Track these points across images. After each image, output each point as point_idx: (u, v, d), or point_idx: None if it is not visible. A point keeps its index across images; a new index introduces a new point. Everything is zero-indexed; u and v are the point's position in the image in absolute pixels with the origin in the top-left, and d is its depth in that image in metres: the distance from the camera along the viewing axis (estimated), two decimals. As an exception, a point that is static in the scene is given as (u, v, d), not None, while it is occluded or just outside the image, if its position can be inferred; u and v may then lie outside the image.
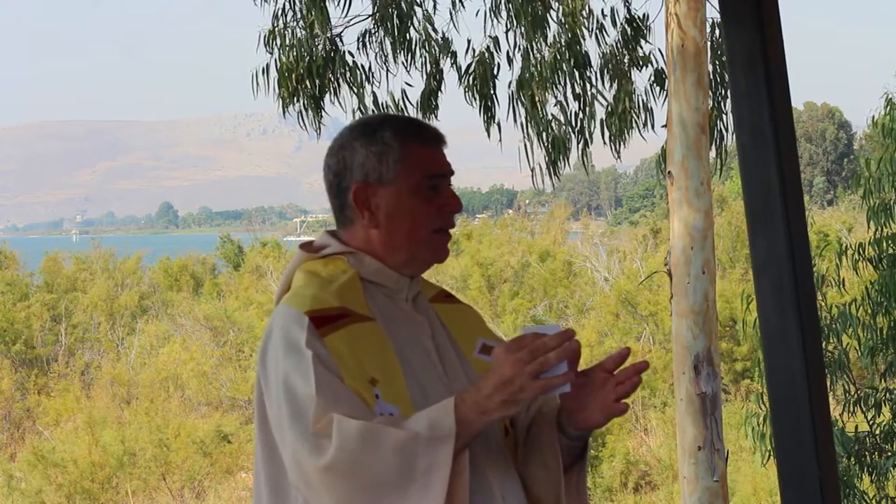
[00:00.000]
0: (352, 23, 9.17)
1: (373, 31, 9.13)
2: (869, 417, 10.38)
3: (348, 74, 9.08)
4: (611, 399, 2.26)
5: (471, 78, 9.10)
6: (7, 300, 28.87)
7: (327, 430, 2.13)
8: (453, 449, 2.11)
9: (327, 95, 9.13)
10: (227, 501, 20.29)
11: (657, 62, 9.17)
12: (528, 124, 9.09)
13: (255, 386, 2.32)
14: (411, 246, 2.35)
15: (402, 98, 9.10)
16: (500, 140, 9.13)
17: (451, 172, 2.40)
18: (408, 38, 9.09)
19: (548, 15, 9.02)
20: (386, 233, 2.35)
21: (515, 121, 9.08)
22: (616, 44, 9.18)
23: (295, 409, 2.18)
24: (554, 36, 9.11)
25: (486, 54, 9.10)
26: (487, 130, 9.15)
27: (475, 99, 9.12)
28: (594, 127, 9.19)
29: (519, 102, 9.09)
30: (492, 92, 9.12)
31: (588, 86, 9.15)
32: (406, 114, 9.02)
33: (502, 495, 2.28)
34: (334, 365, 2.21)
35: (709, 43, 8.74)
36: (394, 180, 2.34)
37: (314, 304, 2.27)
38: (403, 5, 9.05)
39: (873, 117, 11.09)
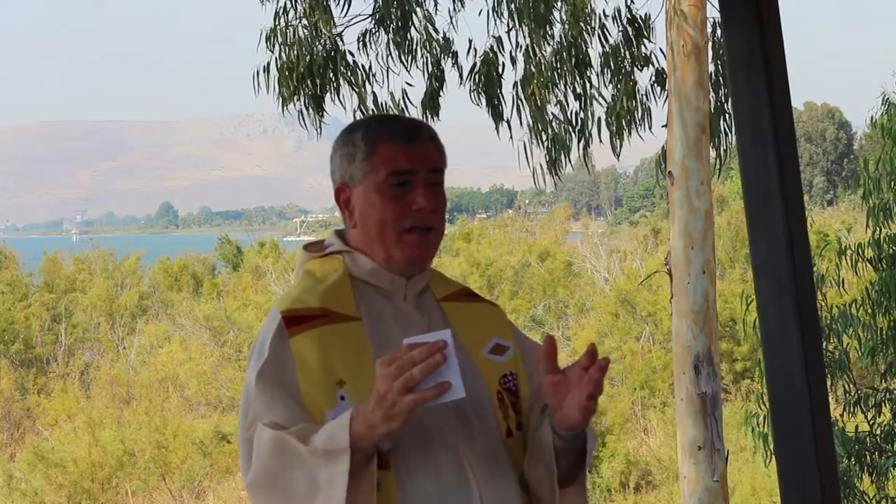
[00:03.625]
0: (352, 22, 9.17)
1: (373, 30, 9.13)
2: (869, 417, 10.37)
3: (349, 74, 9.08)
4: (584, 397, 2.22)
5: (477, 78, 9.09)
6: (6, 300, 28.87)
7: (253, 437, 2.21)
8: (349, 462, 2.12)
9: (328, 95, 9.13)
10: (226, 502, 20.28)
11: (658, 62, 9.18)
12: (532, 124, 9.09)
13: None
14: (383, 246, 2.34)
15: (403, 98, 9.10)
16: (511, 138, 9.10)
17: (427, 168, 2.35)
18: (408, 37, 9.09)
19: (550, 15, 9.02)
20: (361, 232, 2.37)
21: (521, 121, 9.09)
22: (617, 43, 9.18)
23: (244, 410, 2.26)
24: (556, 35, 9.11)
25: (491, 54, 9.10)
26: (497, 130, 9.14)
27: (481, 99, 9.11)
28: (594, 126, 9.19)
29: (521, 102, 9.09)
30: (498, 92, 9.12)
31: (589, 85, 9.15)
32: (406, 114, 9.02)
33: (481, 495, 2.26)
34: (290, 367, 2.24)
35: (710, 43, 8.74)
36: (362, 180, 2.35)
37: (292, 304, 2.31)
38: (405, 5, 9.04)
39: (872, 117, 11.10)
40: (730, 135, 9.24)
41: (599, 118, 9.19)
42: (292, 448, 2.15)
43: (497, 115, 9.13)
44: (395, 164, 2.33)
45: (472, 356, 2.38)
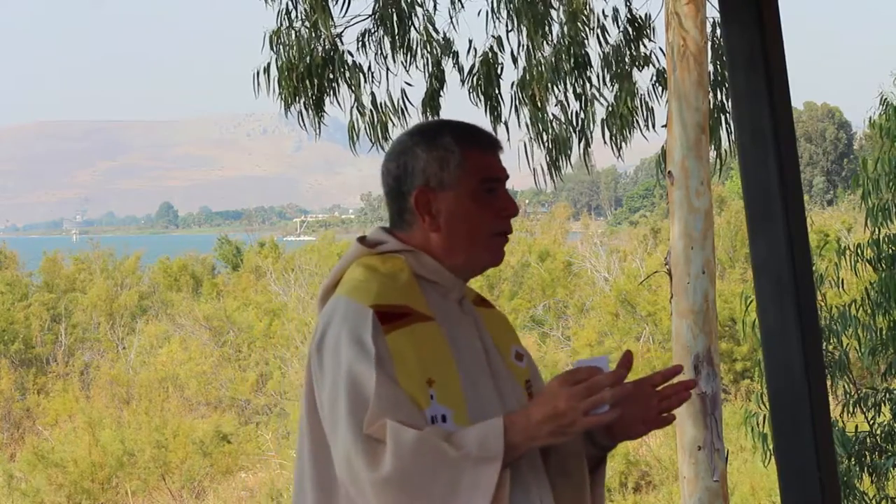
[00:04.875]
0: (352, 22, 9.17)
1: (373, 30, 9.13)
2: (869, 417, 10.38)
3: (348, 74, 9.08)
4: (654, 412, 2.32)
5: (475, 78, 9.09)
6: (6, 300, 28.87)
7: (380, 435, 2.15)
8: (499, 470, 2.13)
9: (328, 96, 9.12)
10: (226, 502, 20.28)
11: (658, 62, 9.18)
12: (530, 124, 9.09)
13: (305, 377, 2.33)
14: (471, 249, 2.38)
15: (402, 98, 9.10)
16: (508, 139, 9.10)
17: (507, 177, 2.43)
18: (408, 38, 9.09)
19: (549, 15, 9.02)
20: (446, 236, 2.37)
21: (519, 121, 9.09)
22: (617, 44, 9.18)
23: (354, 403, 2.19)
24: (556, 36, 9.11)
25: (490, 54, 9.09)
26: (494, 131, 9.14)
27: (480, 99, 9.12)
28: (595, 126, 9.19)
29: (522, 103, 9.09)
30: (496, 92, 9.13)
31: (589, 86, 9.15)
32: (407, 113, 9.04)
33: (540, 498, 2.30)
34: (391, 365, 2.21)
35: (709, 43, 8.74)
36: (455, 185, 2.36)
37: (378, 300, 2.28)
38: (404, 5, 9.04)
39: (870, 118, 11.10)
40: (730, 135, 9.25)
41: (601, 119, 9.19)
42: (439, 449, 2.14)
43: (495, 117, 9.13)
44: (489, 172, 2.39)
45: (507, 362, 2.43)
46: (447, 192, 2.36)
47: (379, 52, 9.08)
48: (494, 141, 2.44)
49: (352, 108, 9.08)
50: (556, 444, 2.21)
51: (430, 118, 9.06)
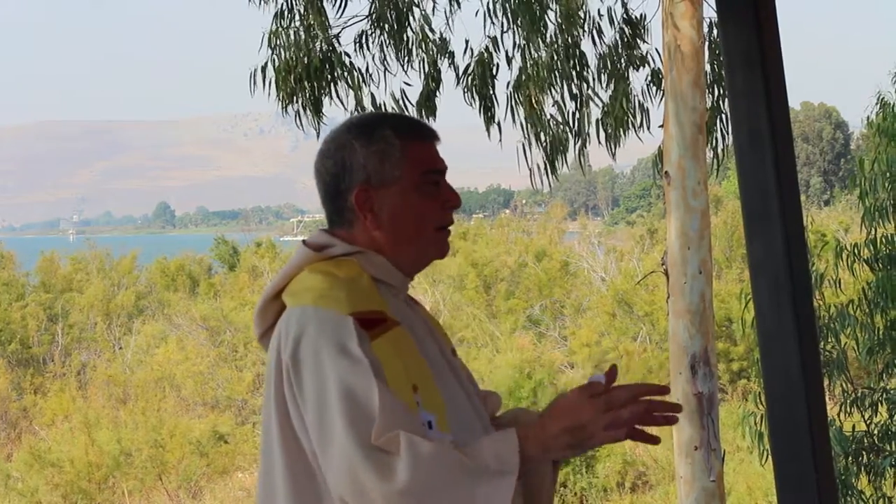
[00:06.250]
0: (349, 23, 9.17)
1: (370, 31, 9.13)
2: (866, 417, 10.38)
3: (346, 75, 9.08)
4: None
5: (470, 78, 9.09)
6: (3, 300, 28.87)
7: (392, 447, 2.05)
8: (514, 484, 2.08)
9: (326, 96, 9.12)
10: (222, 502, 20.27)
11: (654, 62, 9.18)
12: (527, 124, 9.09)
13: (272, 392, 2.21)
14: (417, 244, 2.31)
15: (402, 98, 9.09)
16: (501, 140, 9.11)
17: (447, 168, 2.36)
18: (405, 38, 9.09)
19: (545, 15, 9.01)
20: (391, 233, 2.28)
21: (514, 121, 9.08)
22: (613, 44, 9.18)
23: (354, 416, 2.07)
24: (551, 36, 9.10)
25: (485, 55, 9.10)
26: (488, 131, 9.14)
27: (474, 99, 9.11)
28: (590, 127, 9.19)
29: (517, 103, 9.09)
30: (491, 92, 9.12)
31: (585, 86, 9.15)
32: (405, 113, 9.01)
33: None
34: (383, 374, 2.12)
35: (706, 43, 8.74)
36: (397, 179, 2.27)
37: (354, 307, 2.17)
38: (401, 5, 9.04)
39: (868, 118, 11.11)
40: (726, 135, 9.25)
41: (596, 119, 9.19)
42: (458, 462, 2.07)
43: (489, 118, 9.12)
44: (431, 164, 2.32)
45: (452, 358, 2.38)
46: (389, 187, 2.27)
47: (377, 52, 9.08)
48: (434, 132, 2.34)
49: (352, 111, 9.07)
50: (568, 457, 2.17)
51: (426, 118, 9.06)
